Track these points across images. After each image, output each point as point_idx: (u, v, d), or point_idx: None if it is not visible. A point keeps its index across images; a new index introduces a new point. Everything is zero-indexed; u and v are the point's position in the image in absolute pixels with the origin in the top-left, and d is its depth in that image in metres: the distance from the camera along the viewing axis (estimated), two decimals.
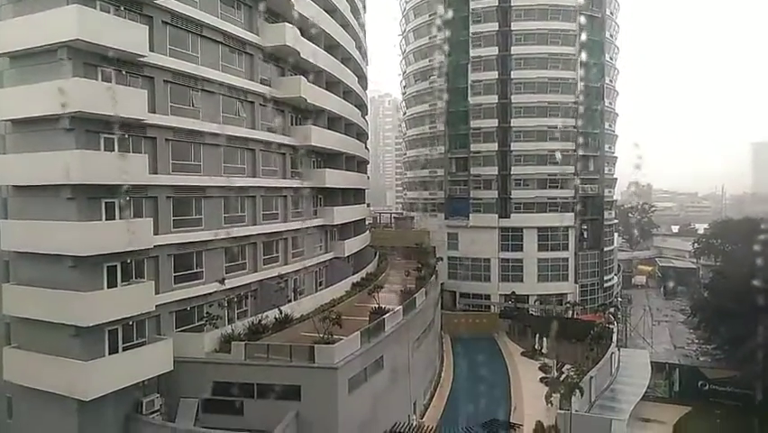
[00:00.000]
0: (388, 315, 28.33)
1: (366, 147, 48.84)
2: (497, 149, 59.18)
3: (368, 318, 28.43)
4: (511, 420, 30.51)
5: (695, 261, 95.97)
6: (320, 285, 35.57)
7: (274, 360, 23.10)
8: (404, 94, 71.08)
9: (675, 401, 45.46)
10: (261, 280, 29.21)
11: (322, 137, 34.35)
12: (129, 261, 21.81)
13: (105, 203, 21.11)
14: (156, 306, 22.30)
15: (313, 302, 31.46)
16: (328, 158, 36.96)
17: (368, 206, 51.47)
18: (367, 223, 52.70)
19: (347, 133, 40.02)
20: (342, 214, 37.74)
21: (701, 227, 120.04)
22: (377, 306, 30.14)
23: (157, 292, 22.58)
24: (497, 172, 59.26)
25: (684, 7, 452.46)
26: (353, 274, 38.94)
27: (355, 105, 42.67)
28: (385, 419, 27.07)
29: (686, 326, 64.53)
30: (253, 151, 29.29)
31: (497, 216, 59.06)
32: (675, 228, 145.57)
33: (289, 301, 30.17)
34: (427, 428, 29.18)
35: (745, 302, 48.19)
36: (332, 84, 36.95)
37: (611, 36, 63.25)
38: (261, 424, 21.07)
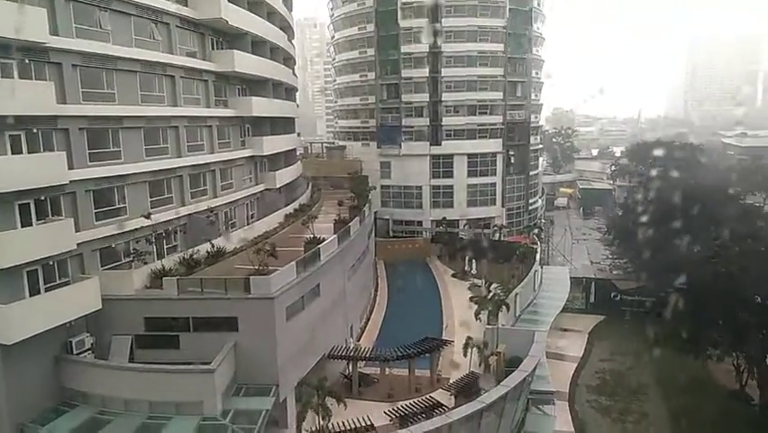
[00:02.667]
0: (323, 244, 28.51)
1: (294, 73, 46.96)
2: (428, 75, 58.70)
3: (303, 249, 28.52)
4: (443, 337, 32.27)
5: (612, 182, 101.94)
6: (252, 217, 35.03)
7: (209, 293, 22.90)
8: (332, 17, 68.01)
9: (591, 312, 49.72)
10: (190, 214, 28.35)
11: (246, 62, 32.61)
12: (43, 198, 20.41)
13: (10, 136, 19.36)
14: (77, 244, 21.24)
15: (246, 235, 31.08)
16: (254, 85, 35.31)
17: (298, 135, 50.20)
18: (298, 153, 51.65)
19: (273, 59, 38.19)
20: (272, 144, 36.70)
21: (618, 150, 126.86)
22: (311, 236, 30.20)
23: (77, 230, 21.45)
24: (428, 99, 59.11)
25: None
26: (286, 205, 38.57)
27: (280, 28, 40.52)
28: (323, 344, 27.92)
29: (602, 243, 69.41)
30: (172, 77, 27.48)
31: (428, 143, 59.49)
32: (595, 152, 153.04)
33: (221, 235, 29.63)
34: (364, 350, 30.44)
35: (652, 218, 52.31)
36: (254, 4, 34.71)
37: None
38: (199, 356, 21.16)
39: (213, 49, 31.16)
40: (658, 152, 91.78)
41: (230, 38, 32.54)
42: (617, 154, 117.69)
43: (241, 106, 33.24)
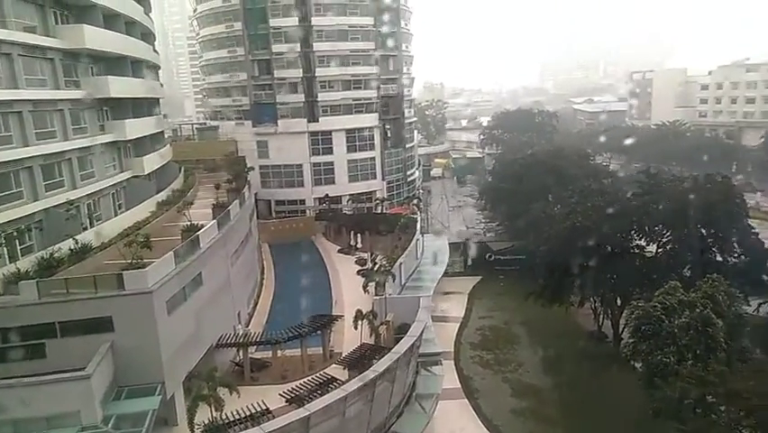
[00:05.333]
0: (202, 231, 27.29)
1: (155, 50, 43.63)
2: (300, 50, 57.61)
3: (180, 237, 27.09)
4: (333, 313, 32.67)
5: (481, 150, 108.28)
6: (120, 208, 32.44)
7: (76, 294, 20.97)
8: None
9: (469, 273, 53.08)
10: (47, 209, 25.60)
11: (99, 38, 29.61)
12: None
13: None
14: None
15: (114, 227, 28.79)
16: (110, 63, 32.24)
17: (164, 117, 46.98)
18: (166, 136, 48.43)
19: (129, 33, 35.11)
20: (135, 127, 33.99)
21: (485, 120, 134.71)
22: (189, 223, 28.74)
23: None
24: (301, 75, 58.13)
25: None
26: (158, 193, 36.20)
27: (135, 0, 37.27)
28: (211, 334, 27.02)
29: (475, 208, 73.99)
30: (9, 56, 24.19)
31: (305, 120, 58.77)
32: (464, 122, 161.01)
33: (85, 229, 27.16)
34: (253, 335, 29.93)
35: (518, 182, 56.75)
36: None
37: None
38: (70, 363, 19.46)
39: (57, 23, 27.91)
40: (518, 120, 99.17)
41: (77, 11, 29.32)
42: (484, 124, 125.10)
43: (96, 87, 30.22)
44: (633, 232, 39.38)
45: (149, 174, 35.53)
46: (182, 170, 46.12)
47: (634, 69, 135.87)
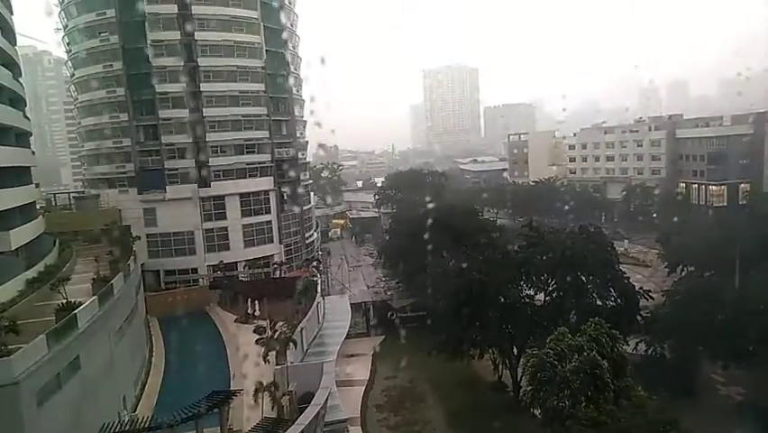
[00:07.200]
0: (79, 309, 24.91)
1: (26, 116, 40.61)
2: (188, 115, 56.42)
3: (55, 317, 24.47)
4: (231, 388, 30.71)
5: (377, 210, 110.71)
6: None
7: None
8: (69, 53, 60.80)
9: (372, 334, 52.78)
10: None
11: None
12: None
13: None
14: None
15: None
16: None
17: (36, 186, 43.25)
18: (39, 207, 44.43)
19: None
20: (1, 199, 30.98)
21: (379, 181, 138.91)
22: (65, 301, 26.13)
23: None
24: (191, 140, 56.71)
25: None
26: (27, 270, 32.73)
27: (2, 65, 34.80)
28: (91, 424, 24.18)
29: (374, 267, 74.62)
30: None
31: (196, 185, 56.91)
32: (359, 183, 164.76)
33: None
34: (141, 421, 27.17)
35: (414, 239, 58.21)
36: None
37: (290, 3, 65.89)
38: None
39: None
40: (411, 180, 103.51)
41: None
42: (379, 184, 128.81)
43: None
44: (522, 282, 41.60)
45: (17, 249, 32.20)
46: (57, 242, 42.28)
47: (510, 132, 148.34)
